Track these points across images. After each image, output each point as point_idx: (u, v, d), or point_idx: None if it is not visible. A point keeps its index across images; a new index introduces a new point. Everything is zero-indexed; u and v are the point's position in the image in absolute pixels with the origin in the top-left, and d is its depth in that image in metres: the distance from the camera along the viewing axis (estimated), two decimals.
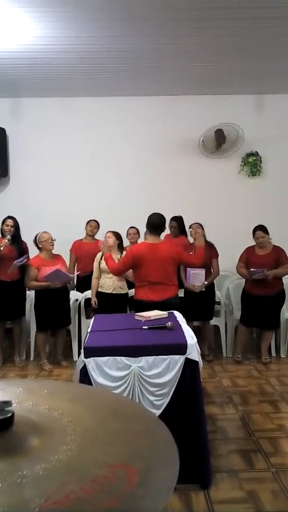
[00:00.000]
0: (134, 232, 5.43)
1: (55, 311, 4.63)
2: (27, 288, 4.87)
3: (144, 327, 2.90)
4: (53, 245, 4.67)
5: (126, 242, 5.38)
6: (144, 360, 2.52)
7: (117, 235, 4.67)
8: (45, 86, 5.69)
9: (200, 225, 4.93)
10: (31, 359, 5.02)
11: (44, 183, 6.07)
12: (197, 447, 2.56)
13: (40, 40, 4.34)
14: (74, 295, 5.10)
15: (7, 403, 0.97)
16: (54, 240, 4.66)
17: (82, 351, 2.59)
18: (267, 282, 4.62)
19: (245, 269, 4.79)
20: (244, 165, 6.20)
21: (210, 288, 4.89)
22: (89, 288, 4.91)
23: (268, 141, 6.14)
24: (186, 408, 2.56)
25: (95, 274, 4.77)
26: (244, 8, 3.82)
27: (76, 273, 5.13)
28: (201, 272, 4.66)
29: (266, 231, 4.74)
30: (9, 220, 4.81)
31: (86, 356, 2.52)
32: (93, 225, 5.48)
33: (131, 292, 4.82)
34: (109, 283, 4.64)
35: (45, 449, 0.90)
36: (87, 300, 5.00)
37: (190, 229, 4.98)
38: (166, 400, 2.52)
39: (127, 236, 5.41)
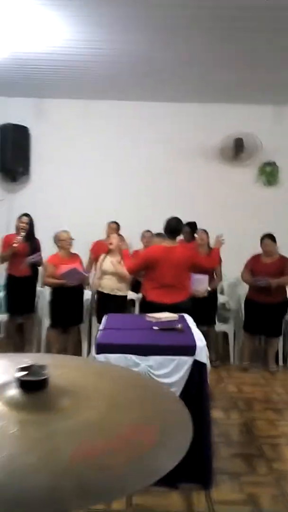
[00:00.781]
0: (149, 235, 5.48)
1: (69, 309, 4.71)
2: (42, 284, 4.98)
3: (154, 327, 2.97)
4: (71, 244, 4.76)
5: (139, 245, 5.47)
6: (153, 359, 2.59)
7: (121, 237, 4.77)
8: (68, 88, 5.82)
9: (205, 231, 5.00)
10: None
11: (64, 183, 6.18)
12: (201, 448, 2.61)
13: (66, 43, 4.47)
14: (86, 294, 5.19)
15: (43, 367, 1.09)
16: (73, 239, 4.75)
17: (93, 347, 2.67)
18: (271, 290, 4.70)
19: (249, 276, 4.86)
20: (261, 175, 6.25)
21: (212, 294, 4.93)
22: None
23: (285, 151, 6.18)
24: (192, 409, 2.59)
25: (97, 275, 4.78)
26: (265, 21, 3.92)
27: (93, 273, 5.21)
28: (205, 278, 4.69)
29: (274, 240, 4.83)
30: (24, 217, 4.93)
31: (97, 352, 2.60)
32: (113, 227, 5.53)
33: (131, 294, 4.95)
34: (108, 284, 4.67)
35: (75, 409, 1.02)
36: None
37: (196, 236, 5.05)
38: None
39: (141, 240, 5.49)
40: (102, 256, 4.80)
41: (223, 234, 4.61)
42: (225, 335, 5.30)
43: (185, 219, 5.16)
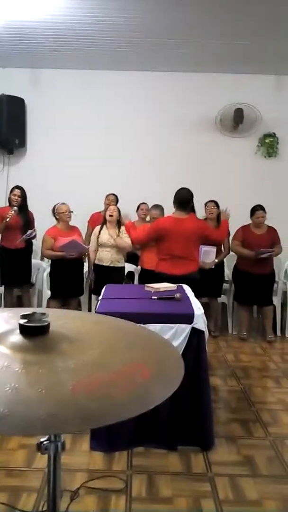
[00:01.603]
0: (146, 207, 5.46)
1: (69, 280, 4.74)
2: (41, 257, 4.99)
3: (153, 297, 3.01)
4: (70, 217, 4.75)
5: (135, 217, 5.44)
6: (151, 327, 2.62)
7: (118, 210, 4.77)
8: (65, 58, 5.69)
9: (216, 203, 4.99)
10: None
11: (61, 155, 6.12)
12: (200, 412, 2.69)
13: (62, 11, 4.36)
14: (85, 266, 5.21)
15: (44, 314, 1.17)
16: (72, 212, 4.74)
17: None
18: (263, 261, 4.80)
19: (242, 247, 4.94)
20: (261, 146, 6.19)
21: (219, 266, 4.97)
22: None
23: (286, 123, 6.10)
24: (191, 376, 2.67)
25: (92, 247, 4.76)
26: None
27: None
28: (213, 249, 4.71)
29: (265, 210, 4.89)
30: (17, 190, 4.90)
31: None
32: (111, 199, 5.48)
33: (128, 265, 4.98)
34: (107, 256, 4.68)
35: (75, 351, 1.11)
36: None
37: (206, 208, 5.03)
38: None
39: (137, 211, 5.48)
40: (97, 229, 4.79)
41: (220, 203, 4.61)
42: (223, 305, 5.36)
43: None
